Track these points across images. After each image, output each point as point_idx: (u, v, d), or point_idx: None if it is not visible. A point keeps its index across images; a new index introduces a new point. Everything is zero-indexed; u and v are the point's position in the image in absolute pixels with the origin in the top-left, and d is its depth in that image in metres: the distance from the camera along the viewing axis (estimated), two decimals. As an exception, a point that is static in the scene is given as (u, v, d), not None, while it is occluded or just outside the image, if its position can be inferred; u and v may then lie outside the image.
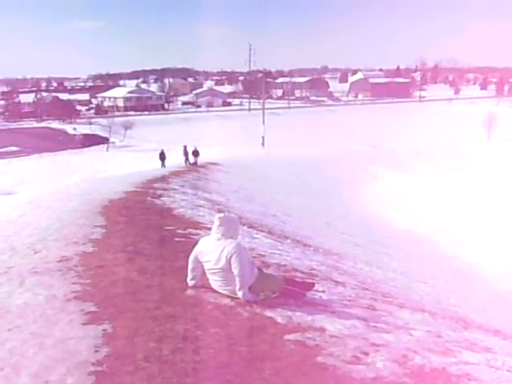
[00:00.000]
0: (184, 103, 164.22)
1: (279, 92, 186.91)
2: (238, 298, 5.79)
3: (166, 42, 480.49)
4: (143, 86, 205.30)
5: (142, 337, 4.69)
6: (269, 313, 5.54)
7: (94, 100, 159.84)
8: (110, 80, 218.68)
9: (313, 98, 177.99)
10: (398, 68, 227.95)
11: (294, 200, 27.52)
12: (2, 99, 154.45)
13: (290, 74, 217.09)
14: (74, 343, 4.53)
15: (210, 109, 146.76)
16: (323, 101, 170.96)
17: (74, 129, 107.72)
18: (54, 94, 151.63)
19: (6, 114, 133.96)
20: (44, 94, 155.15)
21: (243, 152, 56.70)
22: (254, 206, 20.93)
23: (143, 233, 9.74)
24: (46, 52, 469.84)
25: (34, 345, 4.51)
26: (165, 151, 39.57)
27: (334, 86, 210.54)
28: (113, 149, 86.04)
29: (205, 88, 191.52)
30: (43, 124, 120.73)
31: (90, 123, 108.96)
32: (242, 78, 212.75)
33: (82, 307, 5.45)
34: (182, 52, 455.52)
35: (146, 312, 5.34)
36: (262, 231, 12.96)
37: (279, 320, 5.36)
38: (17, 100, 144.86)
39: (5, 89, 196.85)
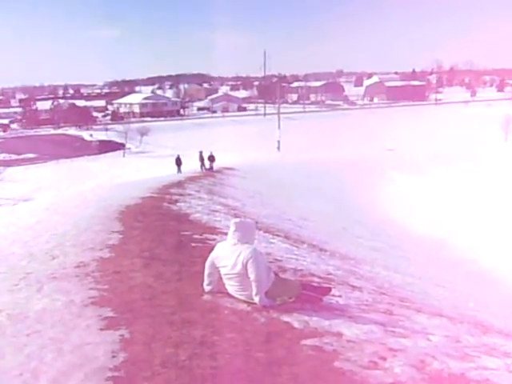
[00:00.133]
0: (199, 109, 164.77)
1: (294, 96, 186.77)
2: (255, 303, 5.78)
3: (181, 48, 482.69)
4: (159, 92, 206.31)
5: (159, 342, 4.70)
6: (285, 318, 5.52)
7: (110, 106, 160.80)
8: (126, 86, 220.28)
9: (328, 102, 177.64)
10: (413, 71, 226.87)
11: (310, 204, 27.44)
12: (20, 106, 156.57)
13: (305, 78, 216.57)
14: (91, 349, 4.55)
15: (226, 114, 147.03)
16: (338, 105, 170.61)
17: (91, 135, 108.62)
18: (71, 101, 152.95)
19: (24, 121, 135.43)
20: (61, 100, 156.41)
21: (259, 157, 56.79)
22: (270, 210, 20.92)
23: (160, 238, 9.77)
24: (62, 59, 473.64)
25: (52, 350, 4.54)
26: (181, 157, 39.71)
27: (350, 89, 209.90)
28: (129, 155, 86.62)
29: (220, 93, 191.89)
30: (60, 131, 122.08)
31: (107, 129, 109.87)
32: (257, 82, 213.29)
33: (100, 313, 5.47)
34: (197, 58, 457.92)
35: (162, 317, 5.35)
36: (278, 236, 12.94)
37: (296, 325, 5.34)
38: (34, 107, 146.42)
39: (22, 96, 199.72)
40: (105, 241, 9.30)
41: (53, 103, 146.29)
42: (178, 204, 15.67)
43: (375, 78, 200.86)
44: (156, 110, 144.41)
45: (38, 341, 4.76)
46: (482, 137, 75.40)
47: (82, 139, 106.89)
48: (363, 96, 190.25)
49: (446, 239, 24.71)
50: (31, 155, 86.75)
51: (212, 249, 6.28)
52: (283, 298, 5.96)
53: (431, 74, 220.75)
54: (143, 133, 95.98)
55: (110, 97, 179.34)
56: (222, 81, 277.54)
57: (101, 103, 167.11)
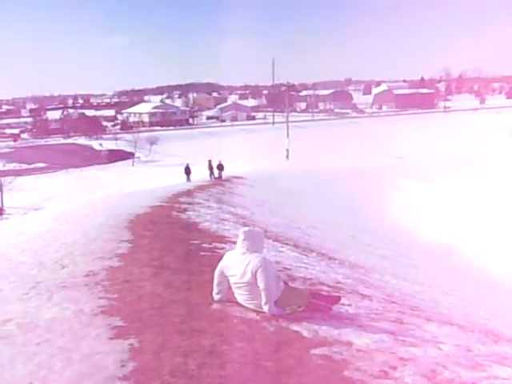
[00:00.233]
0: (208, 118, 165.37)
1: (303, 105, 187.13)
2: (264, 313, 5.77)
3: (190, 58, 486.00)
4: (168, 101, 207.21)
5: (168, 351, 4.69)
6: (295, 327, 5.50)
7: (119, 116, 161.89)
8: (135, 96, 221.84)
9: (337, 110, 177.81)
10: (422, 79, 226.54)
11: (318, 213, 27.42)
12: (30, 116, 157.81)
13: (314, 86, 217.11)
14: (100, 358, 4.55)
15: (235, 123, 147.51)
16: (347, 113, 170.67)
17: (100, 144, 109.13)
18: (81, 111, 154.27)
19: (34, 130, 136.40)
20: (71, 110, 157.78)
21: (268, 165, 56.78)
22: (279, 219, 20.91)
23: (169, 247, 9.79)
24: (72, 69, 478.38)
25: (61, 359, 4.54)
26: (190, 165, 39.77)
27: (358, 97, 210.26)
28: (138, 164, 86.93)
29: (229, 102, 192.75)
30: (70, 140, 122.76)
31: (116, 139, 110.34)
32: (265, 91, 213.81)
33: (109, 322, 5.48)
34: (206, 67, 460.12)
35: (171, 326, 5.35)
36: (287, 244, 12.93)
37: (305, 334, 5.32)
38: (44, 117, 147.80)
39: (33, 106, 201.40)
40: (114, 250, 9.32)
41: (63, 113, 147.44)
42: (187, 213, 15.70)
43: (384, 86, 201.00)
44: (165, 119, 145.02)
45: (48, 350, 4.76)
46: (491, 144, 75.03)
47: (92, 148, 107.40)
48: (372, 104, 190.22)
49: (455, 247, 24.59)
50: (41, 164, 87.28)
51: (221, 258, 6.28)
52: (292, 307, 5.94)
53: (440, 81, 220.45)
54: (152, 142, 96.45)
55: (119, 106, 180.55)
56: (231, 90, 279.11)
57: (110, 113, 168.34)
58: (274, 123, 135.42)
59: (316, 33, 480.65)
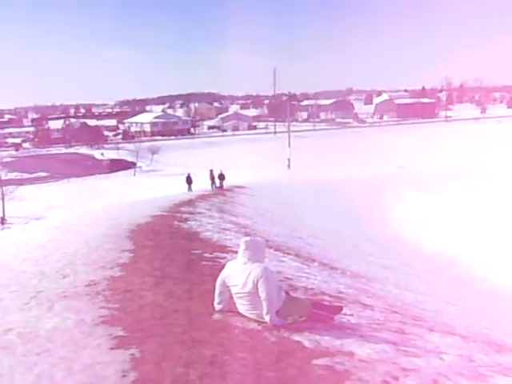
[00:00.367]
0: (210, 127, 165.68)
1: (304, 115, 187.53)
2: (265, 323, 5.75)
3: (191, 68, 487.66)
4: (169, 111, 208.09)
5: (170, 361, 4.67)
6: (296, 337, 5.48)
7: (121, 125, 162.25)
8: (137, 106, 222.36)
9: (338, 120, 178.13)
10: (423, 88, 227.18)
11: (320, 222, 27.38)
12: (32, 126, 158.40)
13: (315, 96, 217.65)
14: (101, 368, 4.53)
15: (236, 132, 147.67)
16: (348, 123, 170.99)
17: (102, 154, 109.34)
18: (82, 120, 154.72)
19: (36, 140, 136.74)
20: (72, 120, 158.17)
21: (269, 175, 56.80)
22: (280, 228, 20.89)
23: (170, 257, 9.78)
24: (74, 79, 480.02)
25: (62, 369, 4.52)
26: (191, 175, 39.84)
27: (359, 107, 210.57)
28: (140, 173, 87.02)
29: (230, 112, 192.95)
30: (72, 150, 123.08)
31: (118, 148, 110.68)
32: (267, 101, 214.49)
33: (110, 332, 5.46)
34: (207, 77, 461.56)
35: (173, 336, 5.33)
36: (288, 254, 12.91)
37: (307, 344, 5.30)
38: (46, 126, 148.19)
39: (35, 115, 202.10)
40: (116, 259, 9.31)
41: (64, 122, 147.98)
42: (188, 222, 15.70)
43: (385, 96, 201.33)
44: (167, 129, 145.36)
45: (49, 360, 4.75)
46: (493, 153, 75.07)
47: (94, 158, 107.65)
48: (373, 114, 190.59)
49: (457, 257, 24.54)
50: (43, 174, 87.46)
51: (222, 267, 6.27)
52: (294, 317, 5.93)
53: (441, 91, 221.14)
54: (154, 151, 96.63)
55: (121, 116, 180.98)
56: (233, 99, 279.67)
57: (112, 122, 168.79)
58: (275, 133, 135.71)
59: (317, 43, 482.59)
